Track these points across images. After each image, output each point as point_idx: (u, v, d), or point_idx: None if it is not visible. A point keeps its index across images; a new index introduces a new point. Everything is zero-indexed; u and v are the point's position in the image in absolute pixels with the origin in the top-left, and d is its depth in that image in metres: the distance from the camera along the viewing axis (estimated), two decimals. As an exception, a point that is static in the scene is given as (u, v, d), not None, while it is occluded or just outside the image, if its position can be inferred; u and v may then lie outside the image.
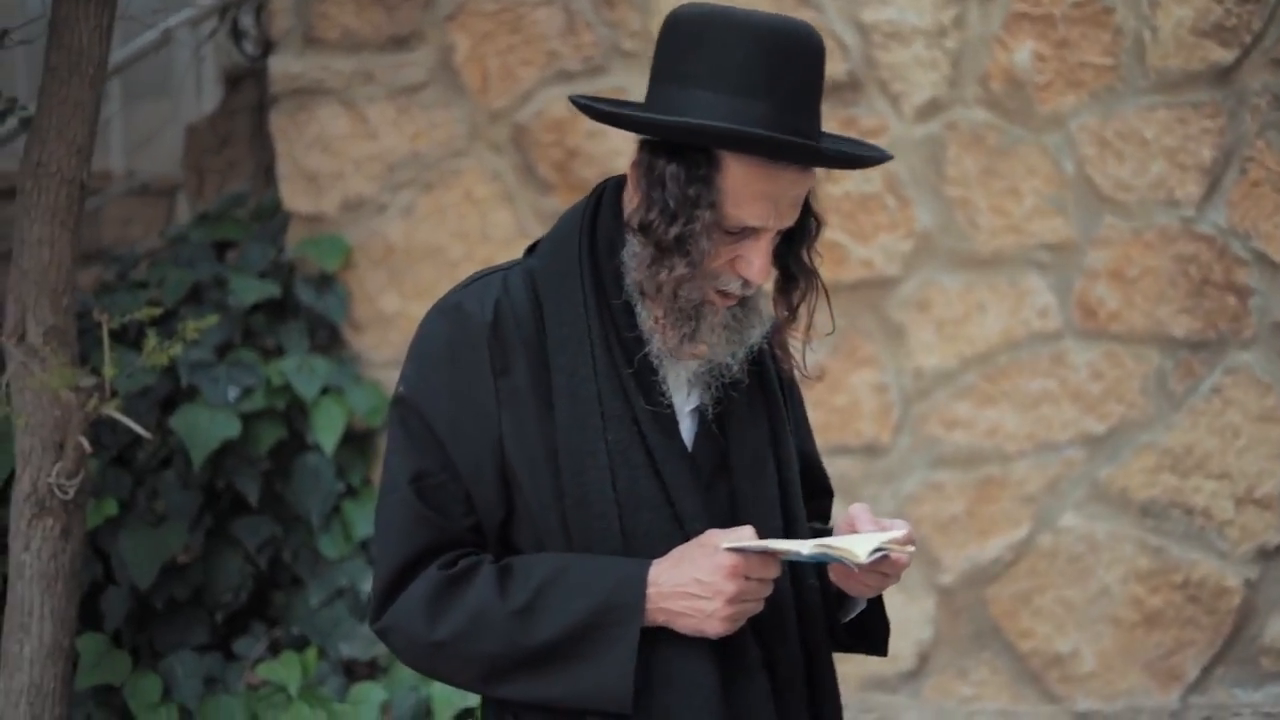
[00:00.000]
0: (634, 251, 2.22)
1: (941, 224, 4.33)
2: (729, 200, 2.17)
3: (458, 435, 2.24)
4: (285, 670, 4.07)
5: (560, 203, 4.43)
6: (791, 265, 2.30)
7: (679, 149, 2.17)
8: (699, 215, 2.16)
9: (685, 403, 2.29)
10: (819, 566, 2.34)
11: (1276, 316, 4.22)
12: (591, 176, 4.39)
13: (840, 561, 2.18)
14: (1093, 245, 4.28)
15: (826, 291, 2.32)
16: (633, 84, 4.37)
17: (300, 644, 4.27)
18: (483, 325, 2.24)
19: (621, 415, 2.22)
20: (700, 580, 2.17)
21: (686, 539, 2.22)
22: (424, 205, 4.53)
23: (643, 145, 2.22)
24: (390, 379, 4.48)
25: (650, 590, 2.19)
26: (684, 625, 2.20)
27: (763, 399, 2.35)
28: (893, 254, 4.34)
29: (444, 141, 4.51)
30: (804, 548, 2.15)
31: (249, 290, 4.44)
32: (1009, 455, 4.34)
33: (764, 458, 2.32)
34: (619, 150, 4.38)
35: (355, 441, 4.46)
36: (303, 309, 4.55)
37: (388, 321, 4.55)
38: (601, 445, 2.21)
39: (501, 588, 2.21)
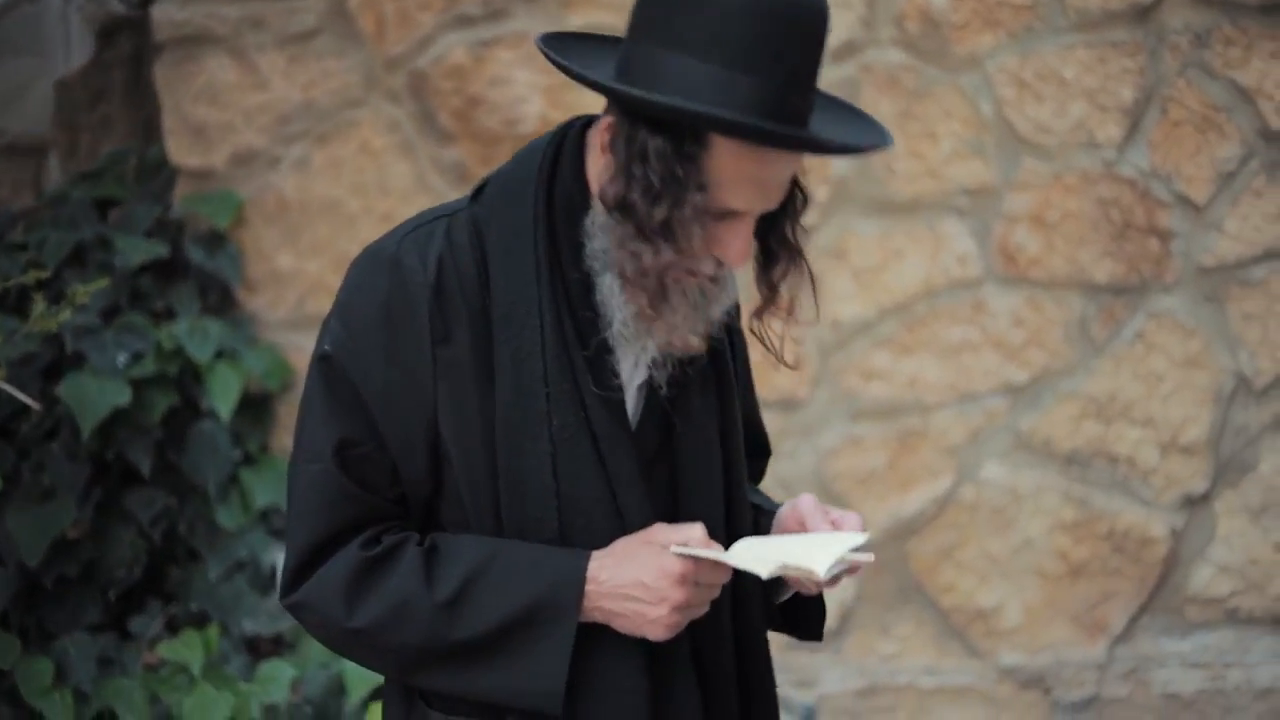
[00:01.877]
0: (601, 224, 2.05)
1: (857, 169, 4.22)
2: (714, 183, 1.99)
3: (388, 404, 2.08)
4: (186, 649, 3.97)
5: (461, 153, 4.28)
6: (773, 241, 2.13)
7: (663, 121, 1.97)
8: (688, 198, 1.98)
9: (633, 377, 2.13)
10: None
11: (1199, 260, 4.16)
12: (495, 125, 4.24)
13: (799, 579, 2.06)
14: (1012, 189, 4.20)
15: (811, 271, 2.15)
16: (535, 27, 4.21)
17: (200, 621, 4.15)
18: (423, 286, 2.05)
19: (569, 397, 2.07)
20: (645, 584, 2.04)
21: (625, 533, 2.09)
22: (319, 158, 4.37)
23: (617, 107, 2.02)
24: (287, 340, 4.33)
25: (589, 588, 2.06)
26: (621, 625, 2.08)
27: (715, 378, 2.20)
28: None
29: (338, 91, 4.35)
30: (760, 568, 2.00)
31: (135, 250, 4.28)
32: (929, 406, 4.26)
33: (712, 447, 2.18)
34: (523, 98, 4.24)
35: (252, 406, 4.32)
36: (193, 269, 4.39)
37: (283, 280, 4.38)
38: (545, 429, 2.06)
39: (427, 576, 2.07)
